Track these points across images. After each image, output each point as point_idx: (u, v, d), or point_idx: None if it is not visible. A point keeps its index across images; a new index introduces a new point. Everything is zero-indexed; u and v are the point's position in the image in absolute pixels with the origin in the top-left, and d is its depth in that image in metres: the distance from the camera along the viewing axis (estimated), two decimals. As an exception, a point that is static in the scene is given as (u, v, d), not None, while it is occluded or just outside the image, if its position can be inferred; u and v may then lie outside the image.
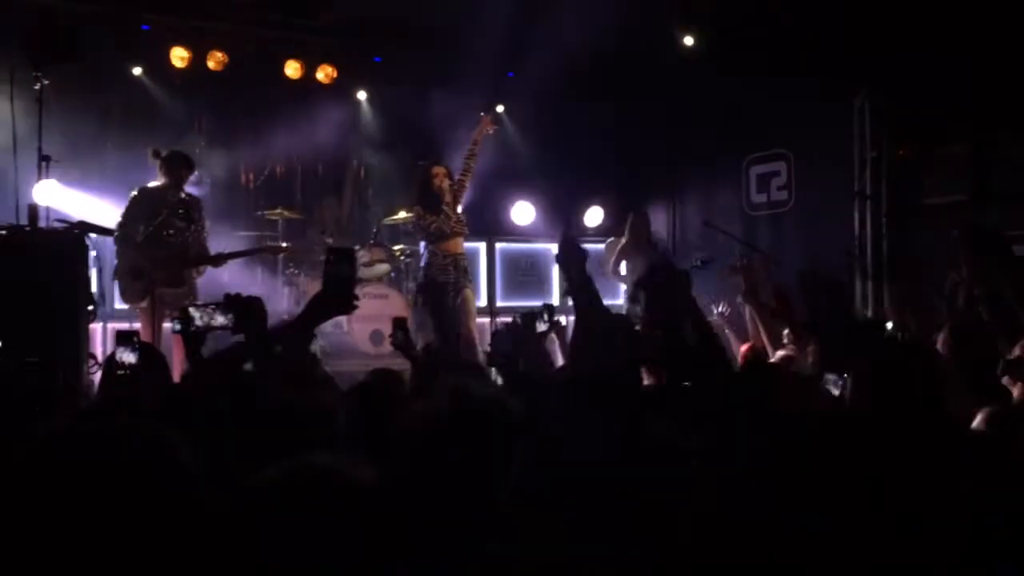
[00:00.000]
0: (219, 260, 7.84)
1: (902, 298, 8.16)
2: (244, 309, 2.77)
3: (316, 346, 7.53)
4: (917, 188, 8.70)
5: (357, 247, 9.83)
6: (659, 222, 10.86)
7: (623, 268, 9.87)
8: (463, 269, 8.02)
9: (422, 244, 8.12)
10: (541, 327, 4.12)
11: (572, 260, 3.22)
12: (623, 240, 9.82)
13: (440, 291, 7.85)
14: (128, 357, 3.48)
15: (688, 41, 10.08)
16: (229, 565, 1.52)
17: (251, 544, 1.51)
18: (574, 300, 3.36)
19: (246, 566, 1.51)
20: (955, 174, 8.37)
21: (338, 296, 2.74)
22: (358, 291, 7.49)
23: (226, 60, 9.82)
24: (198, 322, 2.92)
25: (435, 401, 2.04)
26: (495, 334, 4.15)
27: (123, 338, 3.75)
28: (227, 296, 2.91)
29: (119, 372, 3.43)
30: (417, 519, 1.78)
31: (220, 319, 2.86)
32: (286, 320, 2.91)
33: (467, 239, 8.27)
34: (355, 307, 2.81)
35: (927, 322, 6.17)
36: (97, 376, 5.57)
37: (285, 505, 1.53)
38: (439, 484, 1.92)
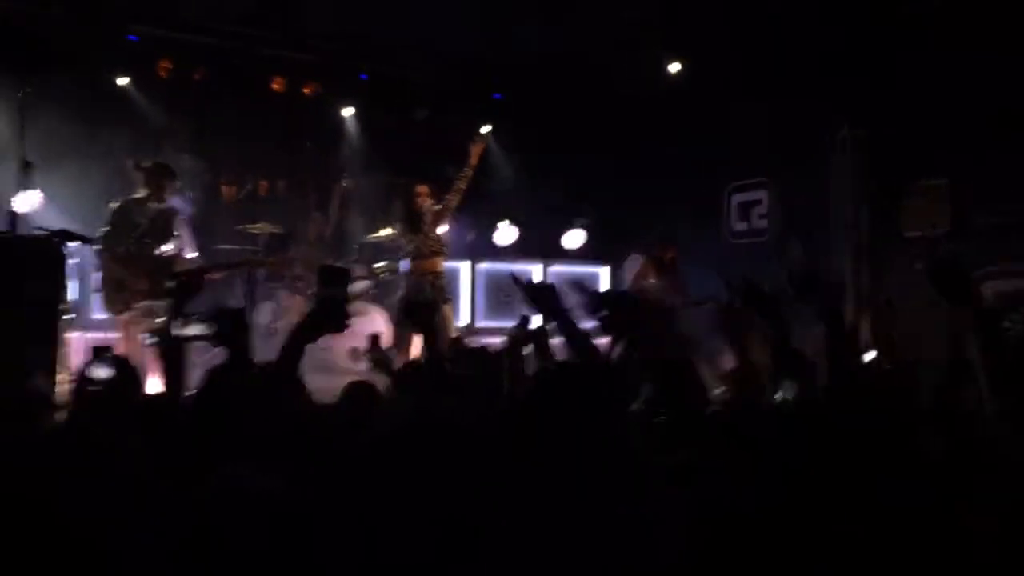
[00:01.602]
0: (202, 272, 7.80)
1: (881, 324, 8.21)
2: (227, 321, 2.76)
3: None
4: (896, 220, 8.79)
5: (337, 264, 9.82)
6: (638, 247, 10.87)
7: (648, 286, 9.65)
8: (440, 288, 8.08)
9: (403, 263, 8.18)
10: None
11: (541, 300, 3.20)
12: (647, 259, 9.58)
13: (419, 308, 7.90)
14: (101, 373, 3.44)
15: (673, 68, 10.14)
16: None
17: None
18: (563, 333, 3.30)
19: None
20: (934, 206, 8.46)
21: (330, 315, 2.74)
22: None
23: (211, 73, 9.81)
24: (176, 330, 2.90)
25: (397, 418, 2.04)
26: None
27: (98, 352, 3.72)
28: (213, 307, 2.90)
29: (91, 388, 3.39)
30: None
31: (197, 329, 2.84)
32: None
33: (449, 259, 8.31)
34: (347, 326, 2.81)
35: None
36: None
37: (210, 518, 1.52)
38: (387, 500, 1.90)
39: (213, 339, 2.81)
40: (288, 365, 2.67)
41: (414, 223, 8.09)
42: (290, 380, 2.67)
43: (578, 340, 2.97)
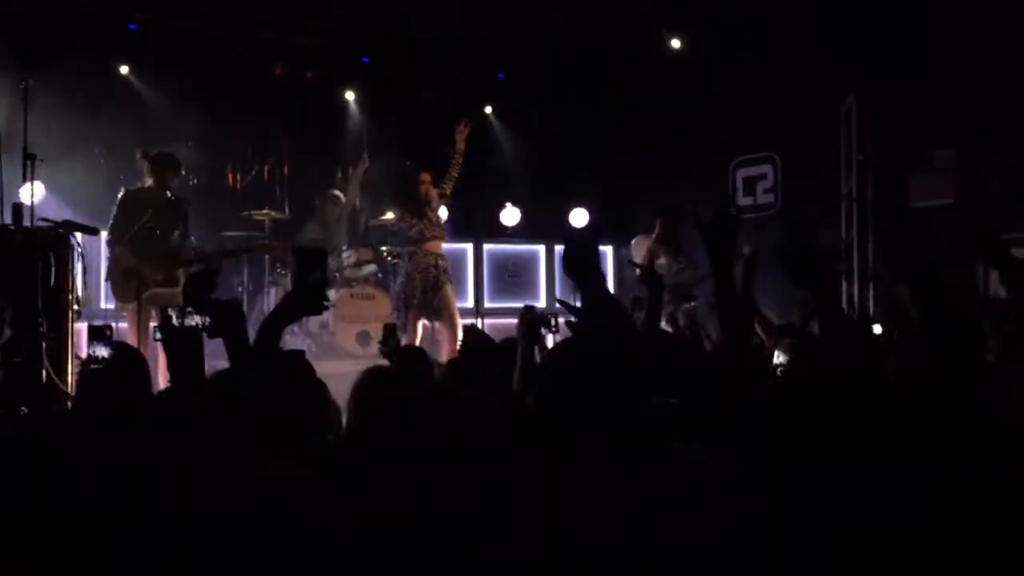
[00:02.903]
0: (211, 260, 7.81)
1: (890, 299, 8.17)
2: (220, 312, 2.75)
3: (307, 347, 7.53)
4: (903, 191, 8.75)
5: (344, 247, 9.83)
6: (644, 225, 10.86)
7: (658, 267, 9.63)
8: (443, 268, 8.38)
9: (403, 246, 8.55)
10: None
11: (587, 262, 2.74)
12: (652, 237, 9.57)
13: (421, 290, 8.18)
14: (101, 352, 3.46)
15: (675, 43, 10.08)
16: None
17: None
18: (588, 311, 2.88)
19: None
20: (941, 177, 8.42)
21: (308, 298, 2.73)
22: (346, 292, 7.54)
23: (213, 59, 9.80)
24: (174, 321, 2.90)
25: (416, 403, 2.04)
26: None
27: (96, 333, 3.76)
28: (205, 299, 2.90)
29: (92, 367, 3.41)
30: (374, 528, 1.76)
31: (195, 319, 2.84)
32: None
33: (454, 241, 8.47)
34: (325, 308, 2.81)
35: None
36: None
37: (221, 511, 1.52)
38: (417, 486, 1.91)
39: (208, 331, 2.81)
40: (264, 347, 2.65)
41: (418, 209, 8.34)
42: (267, 362, 2.65)
43: (611, 307, 2.77)
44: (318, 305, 2.78)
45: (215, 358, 3.07)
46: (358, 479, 2.02)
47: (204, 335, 2.86)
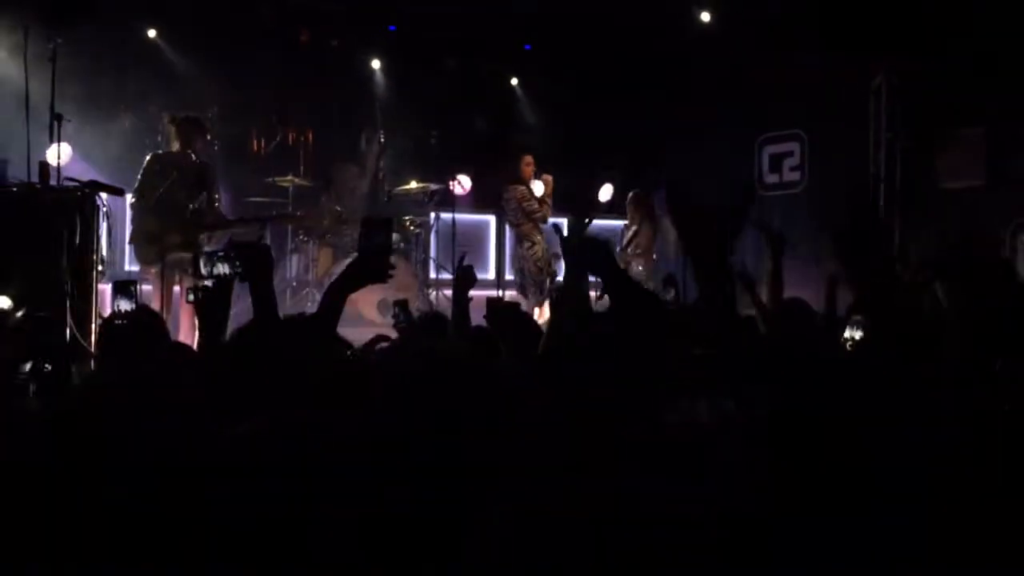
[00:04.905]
0: (234, 225, 7.82)
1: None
2: (249, 255, 2.77)
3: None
4: (931, 172, 8.66)
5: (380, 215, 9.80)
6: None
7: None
8: None
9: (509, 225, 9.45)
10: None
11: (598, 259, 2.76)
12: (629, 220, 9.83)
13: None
14: (124, 305, 3.49)
15: (704, 17, 9.99)
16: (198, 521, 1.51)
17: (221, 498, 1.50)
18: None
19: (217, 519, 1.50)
20: (970, 158, 8.33)
21: (372, 265, 2.77)
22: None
23: (239, 24, 9.79)
24: (203, 270, 2.91)
25: (407, 362, 2.04)
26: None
27: (121, 288, 3.78)
28: (231, 242, 2.90)
29: (117, 322, 3.43)
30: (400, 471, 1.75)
31: (224, 268, 2.85)
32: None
33: (477, 212, 8.70)
34: (390, 276, 2.83)
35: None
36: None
37: (253, 459, 1.52)
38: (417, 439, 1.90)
39: (238, 276, 2.82)
40: (330, 315, 2.67)
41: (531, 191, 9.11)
42: (330, 331, 2.67)
43: (632, 291, 2.76)
44: (383, 272, 2.80)
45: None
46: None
47: (236, 280, 2.87)
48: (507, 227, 9.95)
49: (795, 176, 10.10)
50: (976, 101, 8.15)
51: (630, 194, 9.97)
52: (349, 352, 3.23)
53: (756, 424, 1.86)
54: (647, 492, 1.62)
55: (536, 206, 9.15)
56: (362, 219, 3.01)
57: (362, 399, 2.46)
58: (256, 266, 2.74)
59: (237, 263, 2.82)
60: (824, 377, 2.07)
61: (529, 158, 9.30)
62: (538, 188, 9.17)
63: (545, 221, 9.09)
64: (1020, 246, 7.97)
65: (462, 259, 4.32)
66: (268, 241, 9.30)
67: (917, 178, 8.74)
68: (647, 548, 1.58)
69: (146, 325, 3.68)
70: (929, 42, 8.30)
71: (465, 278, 4.05)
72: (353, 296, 8.80)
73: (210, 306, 2.90)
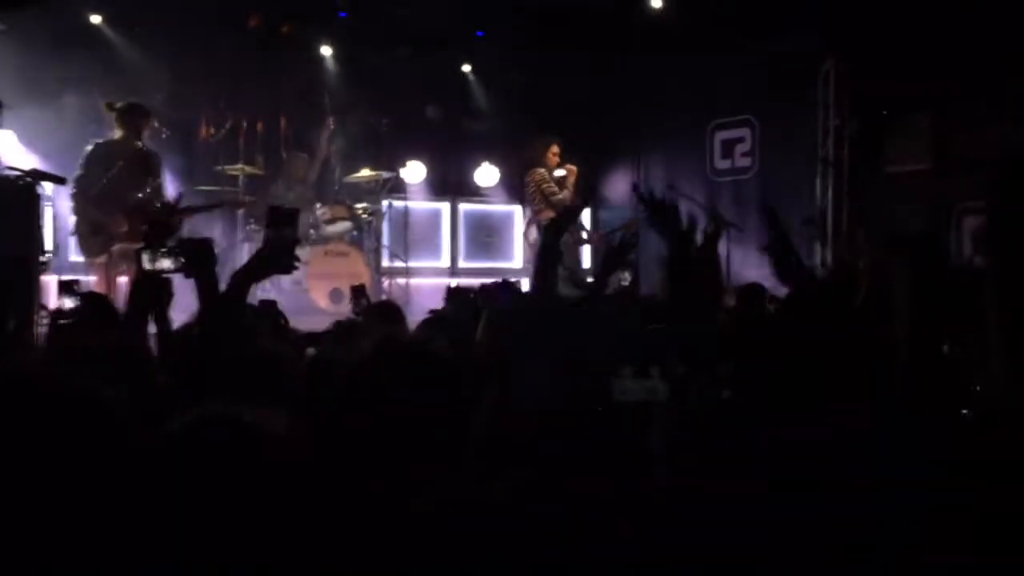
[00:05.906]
0: (179, 214, 7.72)
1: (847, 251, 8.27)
2: (195, 252, 2.73)
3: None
4: (879, 156, 8.76)
5: (318, 204, 9.72)
6: (623, 185, 10.86)
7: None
8: None
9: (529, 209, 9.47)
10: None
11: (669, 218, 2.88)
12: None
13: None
14: (69, 304, 3.43)
15: (656, 3, 10.00)
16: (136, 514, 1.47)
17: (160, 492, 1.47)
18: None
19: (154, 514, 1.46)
20: (917, 143, 8.43)
21: (278, 256, 2.73)
22: (320, 249, 7.51)
23: (187, 10, 9.63)
24: (146, 265, 2.87)
25: (359, 348, 2.02)
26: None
27: (65, 287, 3.74)
28: (179, 239, 2.87)
29: (62, 321, 3.37)
30: (337, 468, 1.74)
31: (168, 263, 2.82)
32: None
33: (430, 199, 8.55)
34: (295, 268, 2.80)
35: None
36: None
37: (185, 456, 1.49)
38: (365, 430, 1.89)
39: (182, 271, 2.79)
40: (232, 304, 2.63)
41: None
42: (235, 318, 2.63)
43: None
44: (288, 264, 2.77)
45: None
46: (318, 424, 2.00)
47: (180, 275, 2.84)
48: (523, 212, 10.10)
49: (746, 162, 10.16)
50: (923, 87, 8.25)
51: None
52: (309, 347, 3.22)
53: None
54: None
55: (555, 188, 9.15)
56: (268, 208, 2.97)
57: (300, 392, 2.44)
58: (200, 260, 2.70)
59: (181, 258, 2.78)
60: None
61: (556, 147, 9.31)
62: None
63: (560, 203, 8.99)
64: (966, 229, 8.08)
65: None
66: (217, 233, 9.23)
67: (865, 163, 8.83)
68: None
69: (97, 314, 3.64)
70: (877, 28, 8.39)
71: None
72: (305, 285, 8.73)
73: (142, 297, 2.87)
